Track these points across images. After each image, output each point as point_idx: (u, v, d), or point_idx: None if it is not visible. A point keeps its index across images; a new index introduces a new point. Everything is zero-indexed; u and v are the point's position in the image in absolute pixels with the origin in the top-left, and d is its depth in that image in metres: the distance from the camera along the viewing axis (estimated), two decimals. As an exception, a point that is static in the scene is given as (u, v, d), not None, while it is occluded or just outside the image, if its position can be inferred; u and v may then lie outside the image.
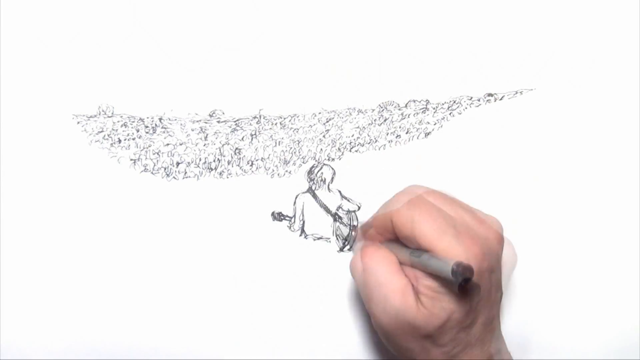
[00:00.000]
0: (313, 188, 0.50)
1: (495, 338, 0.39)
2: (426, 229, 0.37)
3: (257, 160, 0.50)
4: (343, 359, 0.48)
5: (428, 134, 0.50)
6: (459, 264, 0.34)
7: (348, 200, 0.50)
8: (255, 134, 0.50)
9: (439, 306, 0.36)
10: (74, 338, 0.48)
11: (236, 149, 0.50)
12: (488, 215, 0.40)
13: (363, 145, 0.50)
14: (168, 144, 0.50)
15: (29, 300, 0.48)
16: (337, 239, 0.50)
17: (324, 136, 0.50)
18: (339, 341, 0.48)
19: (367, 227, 0.42)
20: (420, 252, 0.37)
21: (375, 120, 0.50)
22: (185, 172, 0.50)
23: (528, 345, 0.49)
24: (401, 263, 0.39)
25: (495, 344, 0.39)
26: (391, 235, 0.40)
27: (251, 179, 0.50)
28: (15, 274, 0.48)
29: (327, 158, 0.50)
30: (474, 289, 0.36)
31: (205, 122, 0.50)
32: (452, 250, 0.36)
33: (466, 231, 0.37)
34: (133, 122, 0.50)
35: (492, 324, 0.39)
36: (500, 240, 0.39)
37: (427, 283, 0.37)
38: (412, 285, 0.38)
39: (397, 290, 0.37)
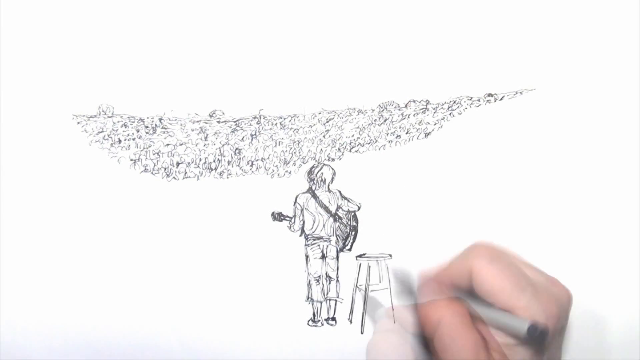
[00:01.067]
0: (313, 188, 0.50)
1: None
2: (507, 285, 0.37)
3: (257, 160, 0.50)
4: (343, 359, 0.48)
5: (428, 134, 0.50)
6: (535, 325, 0.35)
7: (348, 201, 0.50)
8: (255, 134, 0.50)
9: None
10: (74, 338, 0.48)
11: (236, 149, 0.50)
12: (553, 277, 0.41)
13: (363, 145, 0.50)
14: (168, 144, 0.50)
15: (29, 300, 0.48)
16: (337, 239, 0.50)
17: (324, 136, 0.50)
18: (339, 342, 0.48)
19: (432, 276, 0.42)
20: (489, 307, 0.38)
21: (375, 120, 0.50)
22: (185, 172, 0.50)
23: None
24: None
25: None
26: (455, 288, 0.40)
27: (251, 179, 0.50)
28: (15, 274, 0.48)
29: (327, 158, 0.50)
30: (545, 346, 0.37)
31: (205, 122, 0.50)
32: (530, 309, 0.36)
33: (544, 291, 0.38)
34: (133, 122, 0.50)
35: None
36: (571, 300, 0.40)
37: (500, 340, 0.38)
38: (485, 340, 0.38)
39: (471, 346, 0.38)
